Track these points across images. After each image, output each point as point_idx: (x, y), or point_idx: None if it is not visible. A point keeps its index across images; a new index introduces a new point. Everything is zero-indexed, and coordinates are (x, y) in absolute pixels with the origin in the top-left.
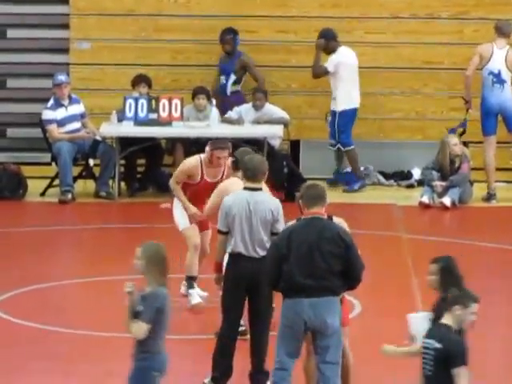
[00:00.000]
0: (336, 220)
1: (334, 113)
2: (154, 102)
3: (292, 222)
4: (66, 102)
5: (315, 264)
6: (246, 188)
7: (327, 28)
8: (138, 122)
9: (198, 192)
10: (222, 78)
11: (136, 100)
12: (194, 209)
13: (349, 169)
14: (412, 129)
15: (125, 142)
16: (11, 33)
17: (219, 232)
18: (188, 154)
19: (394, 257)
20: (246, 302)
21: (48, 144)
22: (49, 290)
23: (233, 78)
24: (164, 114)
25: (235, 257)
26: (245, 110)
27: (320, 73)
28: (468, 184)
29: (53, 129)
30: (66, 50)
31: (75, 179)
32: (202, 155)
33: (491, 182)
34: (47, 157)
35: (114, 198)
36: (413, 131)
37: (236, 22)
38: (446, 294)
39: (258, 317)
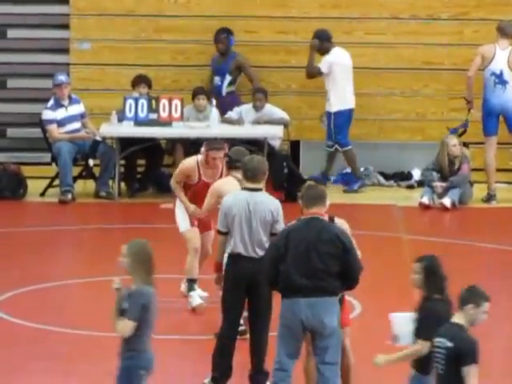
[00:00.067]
0: (338, 221)
1: (328, 114)
2: (154, 102)
3: (292, 223)
4: (66, 103)
5: (312, 264)
6: (245, 188)
7: (321, 29)
8: (138, 122)
9: (196, 192)
10: (217, 78)
11: (136, 100)
12: (193, 207)
13: (348, 169)
14: (412, 129)
15: (125, 142)
16: (11, 33)
17: (219, 232)
18: (188, 154)
19: (393, 257)
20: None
21: (48, 144)
22: (49, 290)
23: (228, 78)
24: (164, 115)
25: (235, 257)
26: (245, 110)
27: (314, 73)
28: (468, 185)
29: (53, 129)
30: (66, 51)
31: (75, 179)
32: (199, 156)
33: (491, 183)
34: (47, 157)
35: (113, 198)
36: (413, 132)
37: (236, 23)
38: (430, 292)
39: (258, 317)
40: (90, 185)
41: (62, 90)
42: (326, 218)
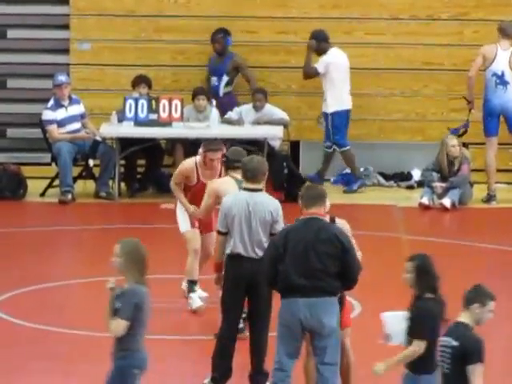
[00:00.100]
0: (339, 222)
1: (325, 115)
2: (154, 102)
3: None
4: (66, 103)
5: (310, 264)
6: (245, 189)
7: (318, 29)
8: (138, 122)
9: (195, 194)
10: (214, 79)
11: (136, 100)
12: (193, 208)
13: (348, 170)
14: (412, 130)
15: (125, 142)
16: (11, 33)
17: (218, 232)
18: (188, 154)
19: (393, 258)
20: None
21: (48, 144)
22: (49, 290)
23: (225, 79)
24: (164, 115)
25: (234, 257)
26: (245, 110)
27: (310, 73)
28: (468, 185)
29: (53, 129)
30: (66, 51)
31: (75, 179)
32: (198, 157)
33: (491, 183)
34: (47, 157)
35: (113, 199)
36: (413, 132)
37: (236, 23)
38: (422, 292)
39: (258, 317)
40: (90, 185)
41: (62, 91)
42: (328, 218)
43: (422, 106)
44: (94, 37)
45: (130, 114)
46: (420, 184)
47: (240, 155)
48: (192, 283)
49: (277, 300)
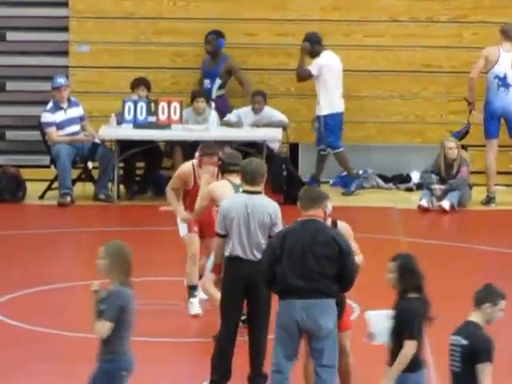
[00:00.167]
0: (341, 225)
1: (318, 118)
2: (153, 104)
3: None
4: (65, 105)
5: (308, 266)
6: (244, 191)
7: (312, 32)
8: (137, 124)
9: (194, 198)
10: (207, 81)
11: (135, 103)
12: (183, 214)
13: (344, 172)
14: (411, 132)
15: (124, 144)
16: (11, 35)
17: (217, 235)
18: (187, 157)
19: None
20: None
21: (47, 147)
22: (49, 292)
23: (218, 82)
24: (163, 117)
25: (233, 260)
26: (244, 113)
27: (304, 76)
28: (467, 187)
29: (52, 131)
30: (65, 53)
31: (74, 182)
32: (195, 160)
33: (491, 186)
34: (46, 159)
35: (112, 201)
36: (412, 135)
37: (235, 25)
38: (405, 291)
39: (257, 319)
40: (89, 187)
41: (61, 93)
42: (330, 221)
43: (421, 108)
44: (93, 39)
45: (129, 116)
46: (419, 186)
47: (236, 159)
48: (192, 288)
49: (275, 302)
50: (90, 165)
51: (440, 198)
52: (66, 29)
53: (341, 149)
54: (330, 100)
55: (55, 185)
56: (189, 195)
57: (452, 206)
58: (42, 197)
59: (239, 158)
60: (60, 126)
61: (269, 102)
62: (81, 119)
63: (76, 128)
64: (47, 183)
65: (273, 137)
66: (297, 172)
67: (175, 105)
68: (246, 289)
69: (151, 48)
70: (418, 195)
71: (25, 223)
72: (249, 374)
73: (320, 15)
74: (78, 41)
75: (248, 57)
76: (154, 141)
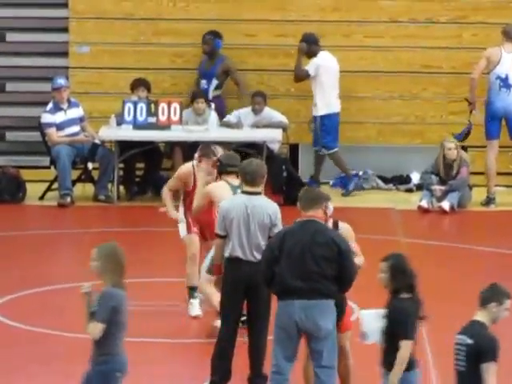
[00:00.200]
0: (342, 226)
1: (315, 118)
2: (152, 105)
3: None
4: (65, 106)
5: (307, 267)
6: (244, 192)
7: (309, 32)
8: (137, 125)
9: (194, 198)
10: (203, 82)
11: (135, 104)
12: (174, 214)
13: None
14: (411, 133)
15: (124, 145)
16: (10, 36)
17: (217, 236)
18: (187, 157)
19: None
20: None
21: (47, 147)
22: (49, 293)
23: (215, 82)
24: (163, 118)
25: (233, 261)
26: (244, 113)
27: (301, 76)
28: (467, 188)
29: (52, 132)
30: (65, 54)
31: (74, 183)
32: (195, 161)
33: (491, 186)
34: (46, 160)
35: (112, 202)
36: (412, 135)
37: (235, 26)
38: (397, 291)
39: (257, 320)
40: (89, 188)
41: (61, 94)
42: (331, 222)
43: (421, 109)
44: (93, 40)
45: (128, 117)
46: (419, 187)
47: (234, 160)
48: (192, 289)
49: (275, 303)
50: (90, 165)
51: (440, 199)
52: (65, 30)
53: (335, 149)
54: (327, 100)
55: (55, 185)
56: (189, 196)
57: (452, 207)
58: (41, 197)
59: (237, 159)
60: (60, 126)
61: (269, 102)
62: (81, 120)
63: (76, 129)
64: (47, 184)
65: (273, 138)
66: (297, 173)
67: (175, 106)
68: (245, 290)
69: (151, 49)
70: (418, 196)
71: (25, 224)
72: (249, 375)
73: (320, 16)
74: (77, 42)
75: (248, 57)
76: (153, 142)
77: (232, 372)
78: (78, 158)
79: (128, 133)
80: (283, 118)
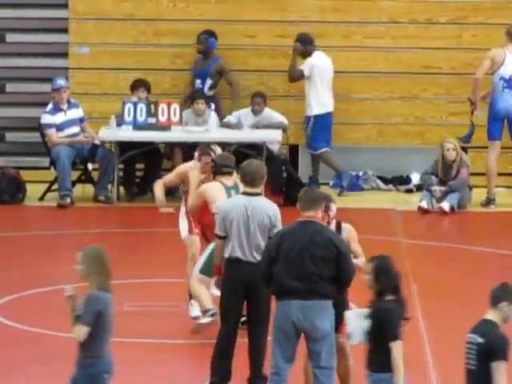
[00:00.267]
0: (345, 226)
1: (308, 118)
2: (152, 106)
3: None
4: (64, 107)
5: (305, 267)
6: (244, 193)
7: (304, 32)
8: (137, 126)
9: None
10: (198, 81)
11: (135, 104)
12: (160, 200)
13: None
14: (411, 134)
15: (124, 146)
16: (10, 37)
17: (217, 236)
18: (187, 158)
19: None
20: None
21: (47, 148)
22: (49, 293)
23: (209, 82)
24: (163, 119)
25: (233, 261)
26: (244, 114)
27: (296, 76)
28: (467, 189)
29: (52, 133)
30: (65, 55)
31: (74, 183)
32: (194, 161)
33: (491, 187)
34: (46, 161)
35: (112, 203)
36: (412, 136)
37: (235, 27)
38: (381, 293)
39: (257, 320)
40: (89, 189)
41: (61, 95)
42: (334, 223)
43: (421, 109)
44: (93, 41)
45: (128, 117)
46: (419, 188)
47: (228, 161)
48: None
49: (274, 304)
50: (90, 166)
51: (440, 200)
52: (65, 30)
53: (323, 149)
54: (321, 100)
55: (55, 186)
56: (187, 194)
57: (452, 208)
58: (41, 198)
59: (232, 159)
60: (60, 127)
61: (268, 103)
62: (80, 121)
63: (76, 129)
64: (47, 185)
65: (272, 138)
66: (296, 173)
67: (175, 106)
68: (245, 290)
69: (151, 49)
70: (418, 197)
71: (25, 225)
72: (248, 376)
73: (319, 17)
74: (77, 42)
75: (248, 58)
76: (153, 142)
77: (232, 373)
78: (78, 159)
79: (128, 133)
80: (283, 119)
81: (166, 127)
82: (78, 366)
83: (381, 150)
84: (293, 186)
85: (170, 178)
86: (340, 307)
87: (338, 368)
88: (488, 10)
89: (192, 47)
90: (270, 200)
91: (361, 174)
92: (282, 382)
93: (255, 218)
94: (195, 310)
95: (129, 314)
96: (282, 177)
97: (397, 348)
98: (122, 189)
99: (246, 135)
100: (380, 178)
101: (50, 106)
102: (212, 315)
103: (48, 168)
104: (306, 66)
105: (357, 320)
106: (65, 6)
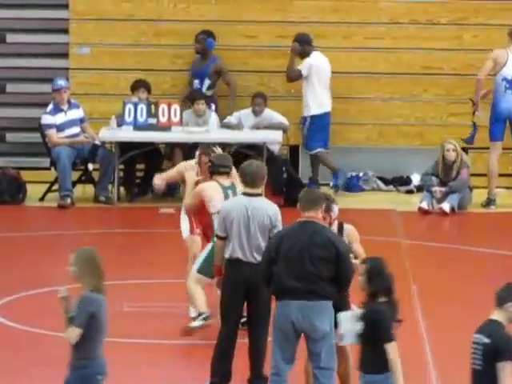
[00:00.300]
0: (347, 227)
1: (304, 118)
2: (153, 106)
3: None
4: (65, 107)
5: (304, 267)
6: (244, 193)
7: (302, 32)
8: (138, 126)
9: None
10: (196, 82)
11: (135, 105)
12: (157, 184)
13: (348, 174)
14: (411, 134)
15: (124, 146)
16: (11, 37)
17: (217, 237)
18: (187, 159)
19: (392, 262)
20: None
21: (47, 149)
22: (49, 294)
23: (207, 82)
24: (163, 119)
25: (233, 262)
26: (244, 115)
27: (294, 76)
28: (467, 190)
29: (52, 134)
30: (65, 55)
31: (74, 184)
32: (195, 160)
33: (492, 188)
34: (46, 161)
35: (113, 203)
36: (412, 137)
37: (235, 27)
38: (374, 295)
39: (257, 321)
40: (90, 189)
41: (62, 95)
42: (336, 224)
43: (422, 110)
44: (94, 41)
45: (129, 118)
46: (419, 188)
47: (226, 161)
48: None
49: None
50: (91, 167)
51: (440, 201)
52: (66, 31)
53: (318, 149)
54: (319, 100)
55: (55, 187)
56: None
57: (452, 209)
58: (42, 199)
59: (229, 159)
60: (60, 127)
61: (269, 104)
62: (81, 121)
63: (76, 130)
64: (47, 185)
65: (273, 139)
66: (297, 174)
67: (175, 107)
68: (246, 291)
69: (151, 50)
70: (419, 197)
71: (25, 225)
72: (249, 377)
73: (320, 17)
74: (78, 43)
75: (248, 59)
76: (154, 143)
77: (232, 373)
78: (79, 159)
79: (128, 134)
80: (283, 120)
81: (166, 128)
82: (72, 367)
83: (381, 150)
84: (293, 186)
85: (169, 173)
86: (341, 308)
87: (338, 369)
88: (489, 10)
89: (192, 48)
90: (271, 201)
91: (361, 174)
92: (282, 382)
93: (256, 218)
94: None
95: (129, 315)
96: (282, 177)
97: (392, 349)
98: (122, 189)
99: (247, 136)
100: (380, 178)
101: (50, 107)
102: (204, 319)
103: (48, 168)
104: (304, 66)
105: (349, 321)
106: (65, 6)
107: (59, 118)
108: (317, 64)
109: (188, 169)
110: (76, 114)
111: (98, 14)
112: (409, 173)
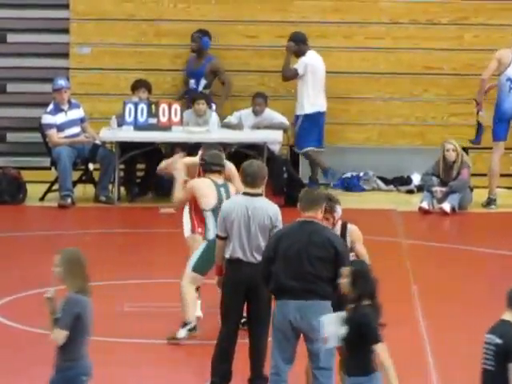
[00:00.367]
0: (350, 227)
1: (297, 117)
2: (153, 106)
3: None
4: (65, 107)
5: (302, 267)
6: (245, 193)
7: (297, 31)
8: (138, 126)
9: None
10: (192, 81)
11: (136, 105)
12: (163, 164)
13: (349, 174)
14: (412, 134)
15: (124, 146)
16: (11, 37)
17: (217, 237)
18: None
19: (393, 262)
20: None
21: (48, 149)
22: None
23: (203, 82)
24: (164, 119)
25: (234, 262)
26: (244, 115)
27: (290, 75)
28: (468, 190)
29: (52, 133)
30: (66, 55)
31: (75, 184)
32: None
33: (493, 188)
34: (47, 161)
35: (113, 203)
36: (412, 137)
37: (236, 27)
38: (358, 298)
39: (257, 321)
40: (90, 189)
41: (62, 95)
42: (339, 224)
43: (422, 110)
44: (94, 41)
45: (129, 118)
46: (420, 188)
47: (218, 159)
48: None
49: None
50: (91, 166)
51: (441, 201)
52: (66, 31)
53: (310, 148)
54: (313, 100)
55: (56, 187)
56: None
57: (453, 209)
58: (42, 199)
59: (221, 158)
60: (60, 127)
61: (269, 104)
62: (81, 121)
63: (76, 130)
64: (48, 185)
65: (273, 139)
66: (297, 174)
67: (176, 107)
68: (246, 291)
69: (152, 50)
70: (419, 197)
71: (25, 225)
72: (249, 377)
73: (320, 17)
74: (78, 43)
75: (248, 59)
76: (154, 143)
77: (232, 373)
78: (79, 159)
79: (129, 134)
80: (284, 120)
81: (166, 127)
82: (57, 369)
83: (381, 150)
84: (294, 186)
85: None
86: (341, 308)
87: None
88: (489, 10)
89: None
90: (271, 201)
91: (361, 174)
92: (282, 382)
93: (256, 218)
94: (197, 310)
95: (129, 315)
96: (282, 177)
97: (382, 350)
98: (122, 189)
99: (247, 136)
100: (381, 178)
101: (50, 107)
102: (190, 330)
103: (49, 168)
104: (299, 64)
105: (333, 324)
106: (66, 6)
107: (60, 118)
108: (312, 63)
109: (187, 163)
110: (76, 113)
111: (98, 14)
112: (409, 173)
